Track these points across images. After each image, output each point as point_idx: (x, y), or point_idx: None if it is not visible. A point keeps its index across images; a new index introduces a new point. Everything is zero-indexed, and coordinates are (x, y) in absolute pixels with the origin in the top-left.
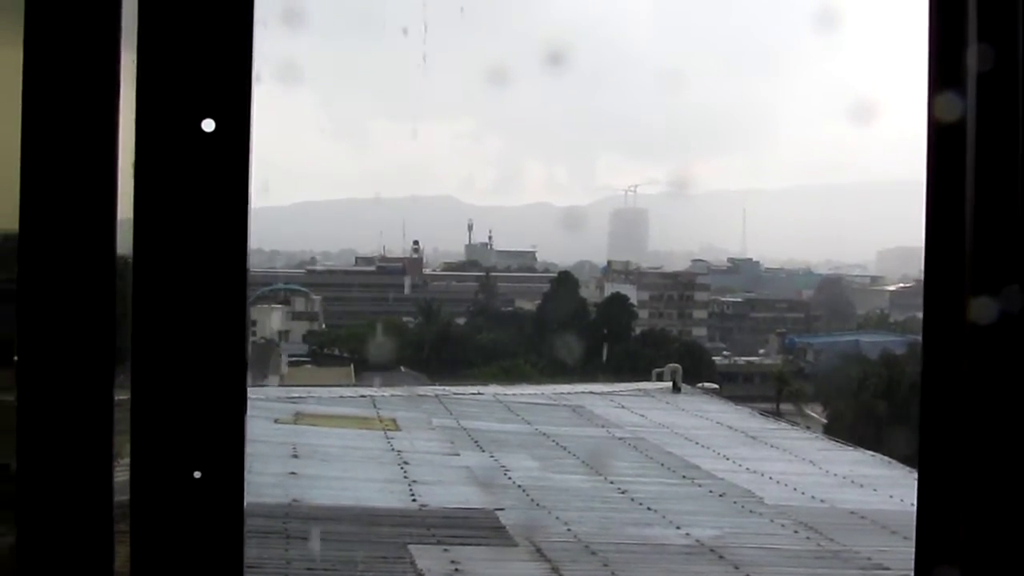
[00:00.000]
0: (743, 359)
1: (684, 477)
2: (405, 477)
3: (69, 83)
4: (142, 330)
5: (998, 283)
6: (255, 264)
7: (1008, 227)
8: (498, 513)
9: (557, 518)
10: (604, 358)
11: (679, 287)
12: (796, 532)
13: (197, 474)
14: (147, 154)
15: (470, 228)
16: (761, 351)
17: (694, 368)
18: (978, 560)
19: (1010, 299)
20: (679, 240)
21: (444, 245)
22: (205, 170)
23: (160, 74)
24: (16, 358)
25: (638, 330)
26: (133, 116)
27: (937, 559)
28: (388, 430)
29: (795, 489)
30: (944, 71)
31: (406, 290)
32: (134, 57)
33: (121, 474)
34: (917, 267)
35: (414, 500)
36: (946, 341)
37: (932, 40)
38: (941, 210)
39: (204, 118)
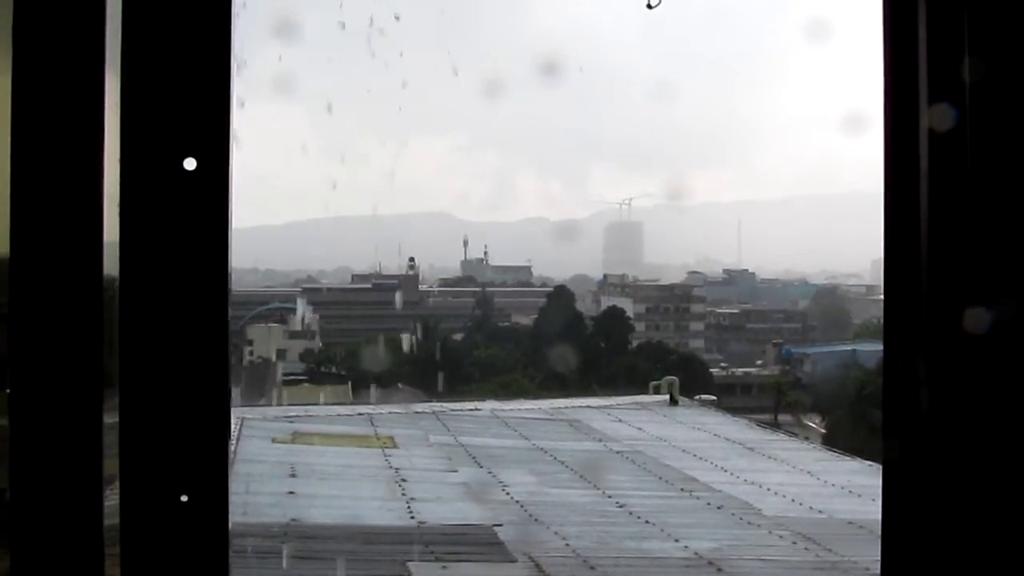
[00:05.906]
0: (740, 370)
1: (682, 490)
2: (403, 494)
3: (56, 114)
4: (129, 359)
5: (956, 294)
6: (250, 284)
7: (964, 238)
8: (496, 529)
9: (555, 533)
10: (601, 371)
11: (675, 299)
12: (795, 543)
13: (184, 498)
14: (130, 191)
15: (465, 244)
16: (758, 362)
17: (691, 380)
18: (942, 564)
19: (970, 311)
20: (674, 252)
21: (440, 261)
22: (186, 207)
23: (143, 113)
24: (8, 381)
25: (635, 343)
26: (118, 151)
27: (903, 563)
28: (386, 448)
29: (793, 500)
30: (899, 86)
31: (398, 305)
32: (119, 90)
33: (112, 498)
34: None
35: (412, 517)
36: (906, 350)
37: (886, 57)
38: (898, 223)
39: (186, 157)
